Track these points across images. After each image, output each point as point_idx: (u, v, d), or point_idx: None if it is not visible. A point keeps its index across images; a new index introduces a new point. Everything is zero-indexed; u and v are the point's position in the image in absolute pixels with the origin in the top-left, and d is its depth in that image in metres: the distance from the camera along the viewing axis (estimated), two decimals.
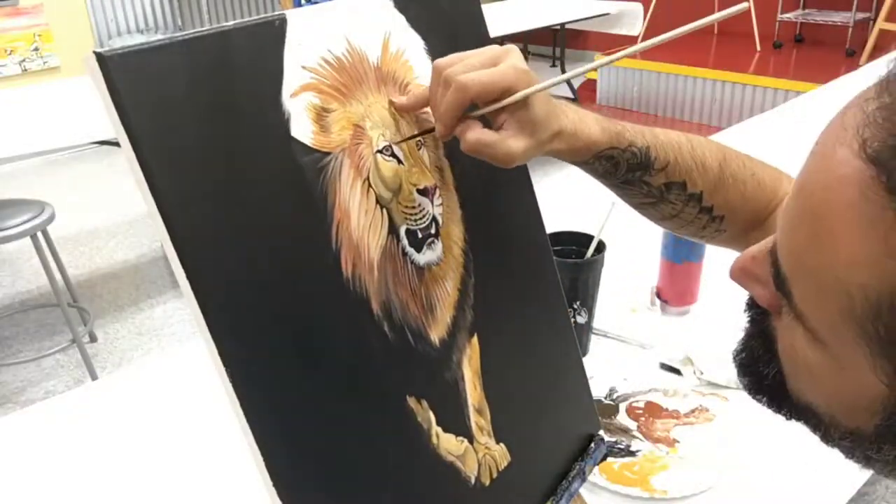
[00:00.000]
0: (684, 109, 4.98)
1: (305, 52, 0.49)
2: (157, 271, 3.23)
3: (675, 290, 1.13)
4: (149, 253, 3.39)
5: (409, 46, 0.58)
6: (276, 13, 0.48)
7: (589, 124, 0.61)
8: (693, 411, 0.93)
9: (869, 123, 0.34)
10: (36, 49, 4.61)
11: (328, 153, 0.49)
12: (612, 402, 0.95)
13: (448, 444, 0.57)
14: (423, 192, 0.56)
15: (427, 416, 0.55)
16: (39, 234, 2.37)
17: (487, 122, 0.56)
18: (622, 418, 0.92)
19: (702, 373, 0.98)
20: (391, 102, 0.55)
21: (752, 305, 0.46)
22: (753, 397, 0.48)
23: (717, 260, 1.15)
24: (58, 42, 4.67)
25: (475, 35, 0.64)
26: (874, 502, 1.69)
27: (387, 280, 0.52)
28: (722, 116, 4.74)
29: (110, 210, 3.80)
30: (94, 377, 2.45)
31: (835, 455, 0.45)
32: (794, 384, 0.43)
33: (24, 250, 3.15)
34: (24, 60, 4.58)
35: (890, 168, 0.32)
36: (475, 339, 0.60)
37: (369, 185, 0.52)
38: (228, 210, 0.43)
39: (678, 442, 0.88)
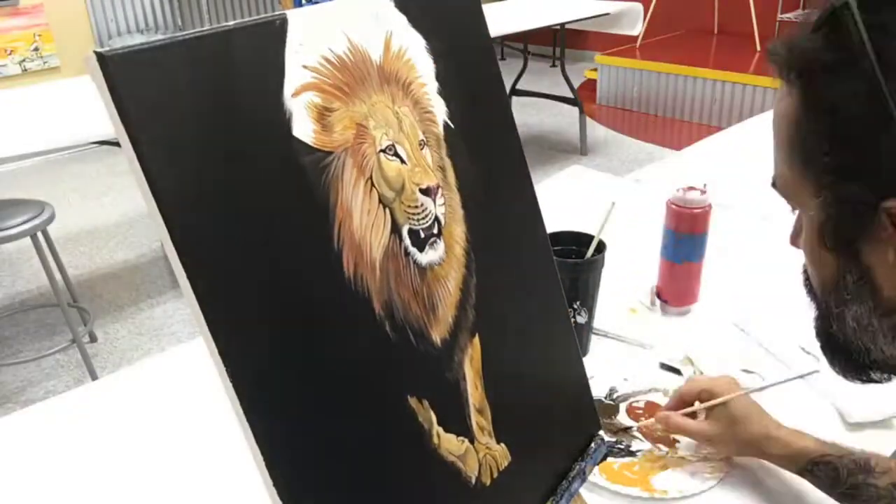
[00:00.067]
0: (684, 109, 4.98)
1: (306, 52, 0.49)
2: (157, 271, 3.23)
3: (675, 290, 1.13)
4: (149, 253, 3.39)
5: (411, 46, 0.58)
6: (277, 13, 0.48)
7: (804, 436, 0.75)
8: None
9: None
10: (36, 49, 4.61)
11: (330, 153, 0.49)
12: (612, 402, 0.95)
13: (449, 444, 0.57)
14: (426, 192, 0.56)
15: (428, 415, 0.55)
16: (39, 234, 2.37)
17: None
18: (622, 418, 0.92)
19: (702, 373, 0.98)
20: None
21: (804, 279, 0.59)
22: (836, 368, 0.58)
23: (718, 260, 1.15)
24: (58, 42, 4.67)
25: (476, 35, 0.64)
26: None
27: (389, 280, 0.52)
28: (722, 116, 4.74)
29: (110, 210, 3.80)
30: (94, 377, 2.45)
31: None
32: (814, 284, 0.57)
33: (24, 250, 3.15)
34: (24, 60, 4.58)
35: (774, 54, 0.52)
36: (476, 339, 0.60)
37: (372, 185, 0.52)
38: (229, 210, 0.43)
39: (678, 442, 0.88)
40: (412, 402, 0.54)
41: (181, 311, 2.89)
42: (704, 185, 1.06)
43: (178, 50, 0.41)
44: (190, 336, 2.67)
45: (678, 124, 4.97)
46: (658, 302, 1.15)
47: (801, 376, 0.87)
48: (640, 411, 0.93)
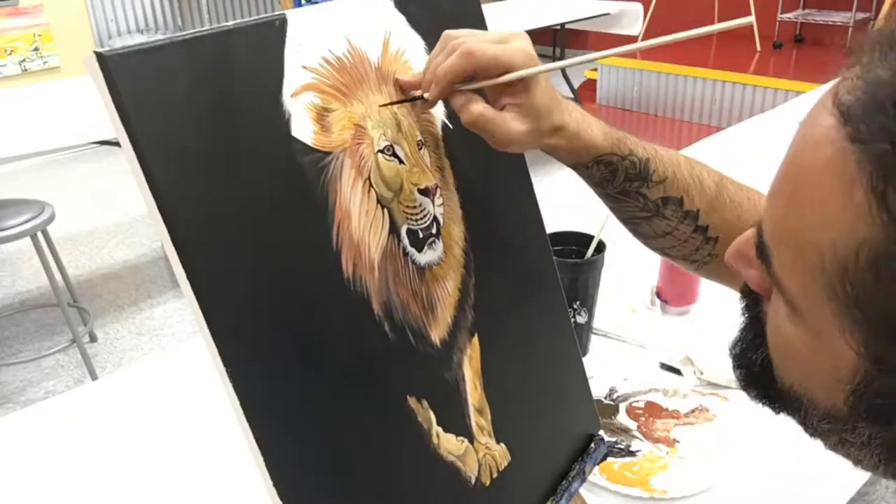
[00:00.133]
0: (684, 109, 4.98)
1: (306, 52, 0.49)
2: (157, 271, 3.23)
3: (675, 290, 1.13)
4: (149, 253, 3.39)
5: (410, 47, 0.58)
6: (277, 13, 0.48)
7: (592, 126, 0.61)
8: (693, 411, 0.93)
9: (844, 82, 0.36)
10: (36, 49, 4.61)
11: (329, 153, 0.49)
12: (612, 402, 0.95)
13: (448, 443, 0.57)
14: (424, 192, 0.56)
15: (427, 415, 0.55)
16: (39, 234, 2.37)
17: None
18: (622, 418, 0.92)
19: (702, 373, 0.98)
20: (396, 80, 0.55)
21: (745, 293, 0.47)
22: (745, 389, 0.49)
23: None
24: (58, 42, 4.67)
25: None
26: (874, 502, 1.69)
27: (387, 280, 0.52)
28: (722, 116, 4.74)
29: (110, 210, 3.80)
30: (94, 377, 2.45)
31: (834, 455, 0.45)
32: (778, 365, 0.44)
33: (24, 250, 3.15)
34: (24, 60, 4.58)
35: (851, 115, 0.34)
36: (475, 339, 0.60)
37: (370, 185, 0.52)
38: (229, 210, 0.43)
39: (678, 442, 0.88)
40: (411, 402, 0.54)
41: (181, 311, 2.89)
42: None
43: (178, 50, 0.42)
44: (190, 336, 2.67)
45: (678, 124, 4.97)
46: (658, 302, 1.15)
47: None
48: (640, 411, 0.93)
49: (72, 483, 0.85)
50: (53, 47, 4.67)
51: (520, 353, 0.67)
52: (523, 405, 0.66)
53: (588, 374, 0.76)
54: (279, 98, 0.47)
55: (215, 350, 0.42)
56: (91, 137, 2.34)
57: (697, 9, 5.60)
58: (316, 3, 1.08)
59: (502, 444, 0.62)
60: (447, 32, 0.55)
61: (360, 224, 0.51)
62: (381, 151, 0.53)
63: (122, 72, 0.39)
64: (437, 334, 0.57)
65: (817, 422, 0.42)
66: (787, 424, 0.47)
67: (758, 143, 1.83)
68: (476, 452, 0.59)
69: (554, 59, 6.08)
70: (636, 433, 0.90)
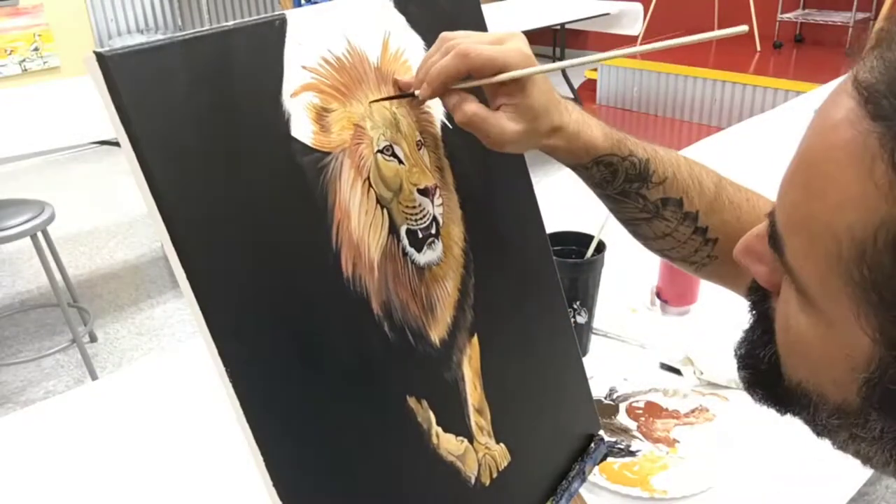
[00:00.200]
0: (684, 109, 4.98)
1: (305, 52, 0.49)
2: (157, 271, 3.23)
3: (675, 290, 1.13)
4: (149, 253, 3.39)
5: (409, 47, 0.58)
6: (276, 13, 0.48)
7: (591, 126, 0.61)
8: (693, 411, 0.93)
9: (863, 64, 0.35)
10: (36, 49, 4.61)
11: (328, 153, 0.49)
12: (612, 402, 0.95)
13: (448, 443, 0.57)
14: (424, 192, 0.56)
15: (427, 415, 0.55)
16: (39, 234, 2.37)
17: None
18: (622, 418, 0.92)
19: (702, 373, 0.98)
20: (395, 81, 0.55)
21: (753, 289, 0.47)
22: (750, 392, 0.48)
23: None
24: (58, 42, 4.67)
25: None
26: (874, 502, 1.69)
27: (387, 280, 0.52)
28: (722, 116, 4.74)
29: (110, 210, 3.80)
30: (94, 377, 2.45)
31: (834, 455, 0.45)
32: (787, 362, 0.44)
33: (24, 250, 3.15)
34: (24, 60, 4.58)
35: (873, 93, 0.34)
36: (475, 339, 0.60)
37: (370, 185, 0.52)
38: (228, 210, 0.43)
39: (678, 442, 0.88)
40: (411, 402, 0.54)
41: (181, 311, 2.89)
42: None
43: (178, 50, 0.42)
44: (190, 336, 2.67)
45: (678, 124, 4.97)
46: (658, 302, 1.15)
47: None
48: (640, 411, 0.93)
49: (72, 483, 0.85)
50: (53, 47, 4.67)
51: (520, 353, 0.67)
52: (523, 405, 0.66)
53: (588, 374, 0.76)
54: (279, 98, 0.47)
55: (215, 350, 0.42)
56: (91, 137, 2.34)
57: (697, 9, 5.60)
58: (316, 3, 1.08)
59: (502, 444, 0.62)
60: (444, 34, 0.55)
61: (360, 224, 0.51)
62: (381, 151, 0.53)
63: (122, 72, 0.39)
64: (436, 334, 0.57)
65: (826, 418, 0.42)
66: (787, 425, 0.47)
67: (758, 143, 1.83)
68: (476, 452, 0.59)
69: (554, 59, 6.08)
70: (636, 433, 0.90)
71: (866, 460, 0.43)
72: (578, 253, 1.00)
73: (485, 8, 0.66)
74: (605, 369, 0.99)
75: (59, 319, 2.78)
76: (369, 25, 0.55)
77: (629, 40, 5.18)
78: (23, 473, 0.87)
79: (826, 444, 0.45)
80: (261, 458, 0.43)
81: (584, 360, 0.76)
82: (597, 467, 0.78)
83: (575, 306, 0.99)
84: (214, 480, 0.82)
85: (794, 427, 0.46)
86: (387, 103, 0.55)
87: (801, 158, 0.38)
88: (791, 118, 1.98)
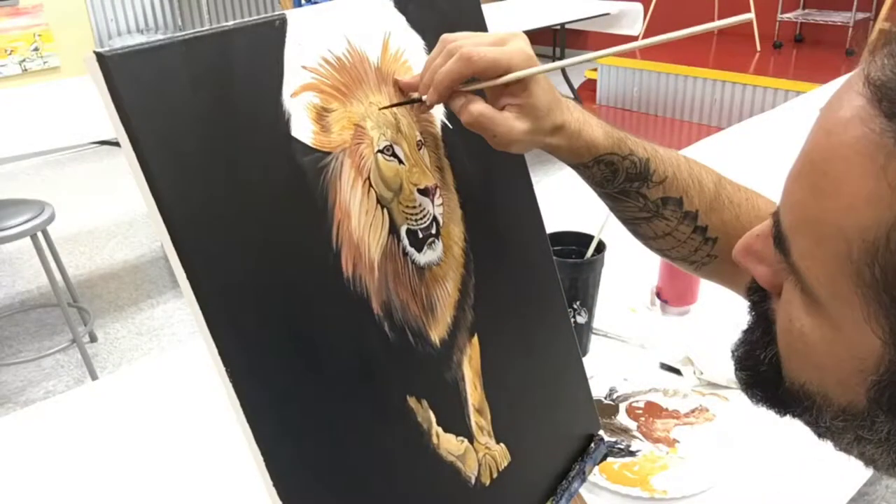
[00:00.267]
0: (684, 109, 4.98)
1: (306, 52, 0.49)
2: (157, 271, 3.23)
3: (675, 290, 1.13)
4: (149, 253, 3.39)
5: (409, 47, 0.58)
6: (276, 13, 0.48)
7: (592, 126, 0.61)
8: (693, 411, 0.93)
9: (874, 61, 0.35)
10: (36, 49, 4.61)
11: (329, 153, 0.49)
12: (612, 402, 0.95)
13: (448, 443, 0.57)
14: (424, 192, 0.56)
15: (427, 415, 0.55)
16: (39, 234, 2.37)
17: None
18: (622, 418, 0.92)
19: (702, 373, 0.98)
20: (395, 81, 0.55)
21: (753, 290, 0.47)
22: (748, 393, 0.48)
23: None
24: (58, 42, 4.67)
25: None
26: (874, 502, 1.69)
27: (387, 280, 0.52)
28: (722, 116, 4.74)
29: (110, 210, 3.80)
30: (94, 377, 2.45)
31: (835, 455, 0.45)
32: (789, 364, 0.43)
33: (24, 250, 3.15)
34: (24, 60, 4.58)
35: (886, 91, 0.33)
36: (475, 339, 0.60)
37: (370, 185, 0.52)
38: (228, 210, 0.43)
39: (678, 442, 0.88)
40: (411, 402, 0.54)
41: (181, 311, 2.89)
42: None
43: (178, 50, 0.42)
44: (190, 336, 2.67)
45: (678, 124, 4.97)
46: (658, 302, 1.15)
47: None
48: (640, 411, 0.93)
49: (72, 483, 0.85)
50: (53, 47, 4.67)
51: (520, 353, 0.67)
52: (523, 405, 0.66)
53: (588, 374, 0.76)
54: (279, 98, 0.47)
55: (215, 350, 0.42)
56: (91, 137, 2.34)
57: (697, 9, 5.60)
58: (316, 3, 1.08)
59: (502, 444, 0.62)
60: (445, 36, 0.55)
61: (360, 224, 0.51)
62: (381, 151, 0.53)
63: (122, 72, 0.39)
64: (436, 334, 0.57)
65: (830, 420, 0.41)
66: (787, 425, 0.47)
67: (758, 143, 1.83)
68: (476, 452, 0.59)
69: (554, 59, 6.08)
70: (636, 433, 0.90)
71: (870, 462, 0.42)
72: (578, 253, 1.00)
73: (485, 8, 0.66)
74: (605, 369, 0.99)
75: (59, 319, 2.78)
76: (369, 25, 0.55)
77: (629, 40, 5.18)
78: (23, 473, 0.87)
79: (827, 445, 0.44)
80: (261, 458, 0.43)
81: (584, 360, 0.76)
82: (597, 467, 0.78)
83: (575, 306, 0.99)
84: (214, 480, 0.82)
85: (794, 427, 0.46)
86: (387, 103, 0.55)
87: (807, 158, 0.38)
88: (791, 118, 1.98)
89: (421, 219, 0.56)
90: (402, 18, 0.58)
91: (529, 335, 0.68)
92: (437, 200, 0.57)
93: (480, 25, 0.64)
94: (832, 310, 0.38)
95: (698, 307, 1.14)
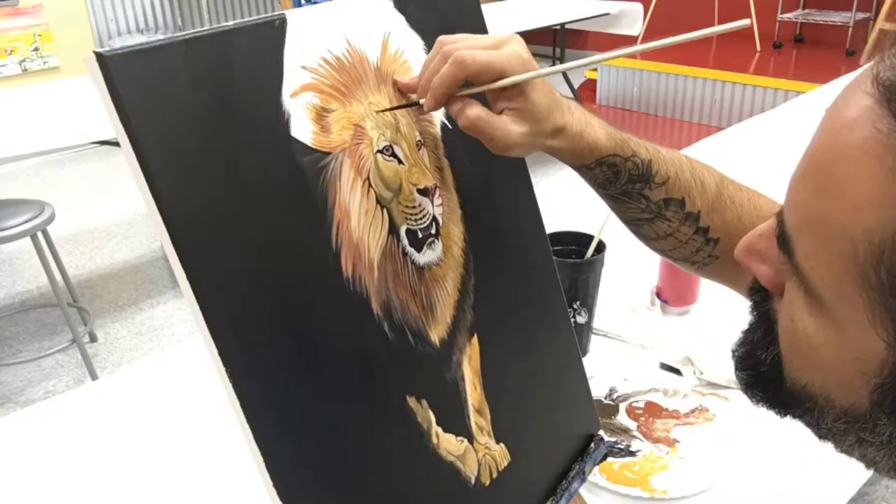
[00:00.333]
0: (684, 109, 4.98)
1: (305, 52, 0.49)
2: (157, 271, 3.23)
3: (675, 290, 1.13)
4: (149, 253, 3.39)
5: (409, 47, 0.58)
6: (276, 13, 0.48)
7: (594, 127, 0.61)
8: (693, 411, 0.93)
9: (883, 61, 0.34)
10: (36, 49, 4.61)
11: (328, 153, 0.49)
12: (612, 402, 0.95)
13: (448, 443, 0.57)
14: (424, 192, 0.56)
15: (427, 415, 0.55)
16: (39, 234, 2.37)
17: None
18: (622, 418, 0.92)
19: (702, 373, 0.98)
20: (395, 82, 0.55)
21: (755, 289, 0.46)
22: (748, 393, 0.48)
23: None
24: (58, 42, 4.67)
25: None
26: (874, 502, 1.69)
27: (387, 280, 0.52)
28: (722, 116, 4.74)
29: (110, 210, 3.80)
30: (94, 377, 2.45)
31: (834, 456, 0.45)
32: (790, 365, 0.43)
33: (24, 250, 3.15)
34: (24, 60, 4.58)
35: (895, 92, 0.32)
36: (475, 340, 0.60)
37: (370, 185, 0.52)
38: (228, 210, 0.43)
39: (678, 442, 0.88)
40: (411, 402, 0.54)
41: (181, 311, 2.89)
42: None
43: (178, 50, 0.42)
44: (190, 336, 2.67)
45: (678, 124, 4.97)
46: (658, 302, 1.15)
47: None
48: (640, 411, 0.93)
49: (72, 483, 0.85)
50: (53, 47, 4.67)
51: (520, 353, 0.67)
52: (523, 405, 0.66)
53: (588, 374, 0.76)
54: (279, 98, 0.47)
55: (215, 350, 0.42)
56: (91, 137, 2.34)
57: (697, 9, 5.60)
58: (315, 3, 1.08)
59: (502, 444, 0.62)
60: (441, 38, 0.55)
61: (360, 224, 0.51)
62: (381, 151, 0.53)
63: (122, 72, 0.39)
64: (436, 334, 0.57)
65: (832, 421, 0.41)
66: (787, 425, 0.47)
67: (758, 143, 1.83)
68: (476, 452, 0.59)
69: (554, 59, 6.08)
70: (636, 433, 0.90)
71: (871, 464, 0.42)
72: (578, 253, 1.00)
73: (485, 8, 0.66)
74: (605, 369, 0.99)
75: (59, 319, 2.78)
76: (369, 25, 0.55)
77: (629, 40, 5.18)
78: (23, 473, 0.87)
79: (828, 446, 0.44)
80: (261, 458, 0.43)
81: (584, 360, 0.76)
82: (597, 467, 0.78)
83: (575, 306, 0.99)
84: (214, 480, 0.82)
85: (794, 428, 0.46)
86: (386, 103, 0.55)
87: (812, 158, 0.37)
88: (791, 118, 1.98)
89: (420, 219, 0.56)
90: (402, 18, 0.58)
91: (529, 335, 0.68)
92: (437, 200, 0.57)
93: (480, 26, 0.64)
94: (836, 311, 0.37)
95: (698, 307, 1.14)
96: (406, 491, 0.54)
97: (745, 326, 0.48)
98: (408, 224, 0.55)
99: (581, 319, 1.01)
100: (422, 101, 0.55)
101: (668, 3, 5.23)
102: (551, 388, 0.71)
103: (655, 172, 0.63)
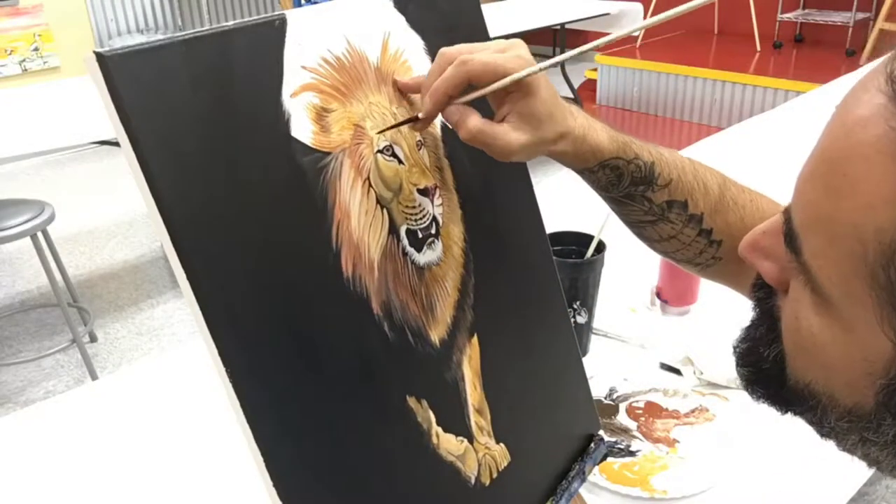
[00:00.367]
0: (684, 109, 4.98)
1: (305, 52, 0.49)
2: (157, 271, 3.23)
3: (675, 290, 1.13)
4: (149, 253, 3.39)
5: (409, 47, 0.58)
6: (276, 13, 0.48)
7: (597, 130, 0.61)
8: (693, 411, 0.93)
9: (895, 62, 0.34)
10: (36, 49, 4.61)
11: (328, 153, 0.49)
12: (612, 402, 0.95)
13: (448, 444, 0.57)
14: (424, 192, 0.56)
15: (427, 416, 0.55)
16: (39, 234, 2.37)
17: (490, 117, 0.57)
18: (622, 418, 0.92)
19: (702, 373, 0.98)
20: (395, 82, 0.55)
21: (758, 286, 0.46)
22: (749, 390, 0.48)
23: None
24: (58, 42, 4.67)
25: (475, 35, 0.64)
26: (874, 502, 1.69)
27: (387, 280, 0.52)
28: (722, 116, 4.74)
29: (110, 210, 3.80)
30: (94, 377, 2.45)
31: (835, 455, 0.45)
32: (794, 363, 0.43)
33: (24, 250, 3.15)
34: (24, 60, 4.58)
35: None
36: (475, 340, 0.60)
37: (370, 185, 0.52)
38: (228, 210, 0.43)
39: (678, 442, 0.88)
40: (411, 402, 0.54)
41: (181, 311, 2.89)
42: None
43: (178, 50, 0.42)
44: (190, 336, 2.67)
45: (678, 124, 4.97)
46: (658, 302, 1.15)
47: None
48: (640, 411, 0.93)
49: (72, 483, 0.85)
50: (53, 47, 4.67)
51: (520, 353, 0.67)
52: (523, 405, 0.66)
53: (588, 374, 0.76)
54: (279, 98, 0.47)
55: (215, 350, 0.42)
56: (91, 137, 2.34)
57: (697, 9, 5.58)
58: (316, 3, 1.08)
59: (502, 444, 0.62)
60: (443, 50, 0.55)
61: (360, 224, 0.51)
62: (381, 151, 0.53)
63: (122, 72, 0.39)
64: (436, 334, 0.57)
65: (835, 420, 0.41)
66: (787, 425, 0.47)
67: (758, 143, 1.83)
68: (476, 452, 0.59)
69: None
70: (636, 433, 0.90)
71: (874, 463, 0.42)
72: (578, 253, 1.00)
73: (485, 8, 0.66)
74: (605, 369, 0.99)
75: (59, 319, 2.78)
76: (369, 25, 0.55)
77: (629, 40, 5.18)
78: (23, 473, 0.87)
79: (829, 445, 0.44)
80: (261, 458, 0.43)
81: (584, 360, 0.76)
82: (597, 467, 0.78)
83: (575, 306, 0.99)
84: (214, 480, 0.82)
85: (794, 427, 0.46)
86: (387, 103, 0.55)
87: (822, 156, 0.37)
88: (791, 118, 1.98)
89: (420, 219, 0.56)
90: (402, 18, 0.58)
91: (529, 335, 0.68)
92: (437, 200, 0.57)
93: (480, 25, 0.64)
94: (844, 310, 0.37)
95: (698, 307, 1.14)
96: (406, 491, 0.54)
97: (747, 323, 0.47)
98: (408, 224, 0.55)
99: (581, 319, 1.01)
100: (420, 115, 0.55)
101: (669, 3, 5.23)
102: (551, 388, 0.71)
103: (658, 175, 0.63)
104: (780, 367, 0.44)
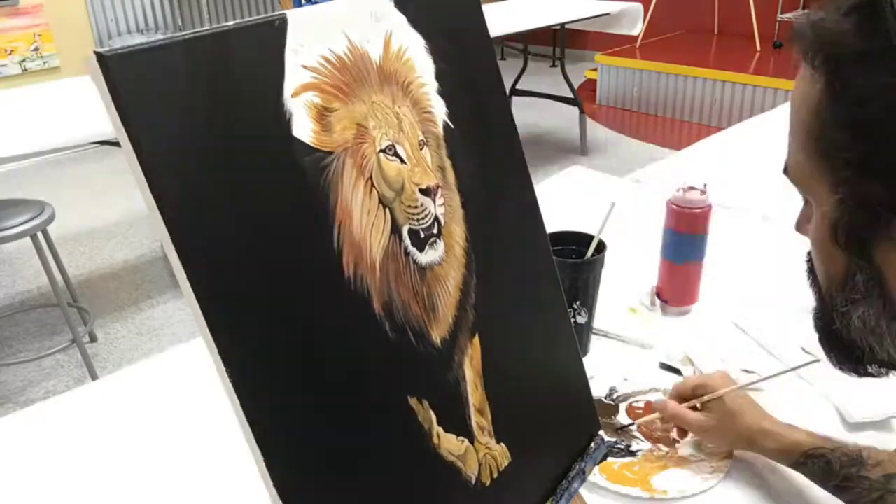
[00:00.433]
0: (684, 109, 4.98)
1: (306, 52, 0.49)
2: (157, 271, 3.23)
3: (675, 290, 1.13)
4: (149, 253, 3.39)
5: (411, 45, 0.58)
6: (277, 13, 0.48)
7: (795, 429, 0.75)
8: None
9: None
10: (36, 49, 4.61)
11: (330, 153, 0.49)
12: (612, 402, 0.95)
13: (449, 444, 0.57)
14: (426, 192, 0.56)
15: (428, 416, 0.55)
16: (39, 234, 2.37)
17: None
18: (622, 418, 0.92)
19: (702, 373, 0.98)
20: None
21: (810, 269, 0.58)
22: (831, 358, 0.57)
23: (718, 260, 1.15)
24: (58, 42, 4.67)
25: (475, 35, 0.64)
26: None
27: (389, 280, 0.52)
28: (722, 116, 4.74)
29: (110, 210, 3.80)
30: (94, 377, 2.45)
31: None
32: (819, 278, 0.55)
33: (24, 250, 3.15)
34: (24, 60, 4.58)
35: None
36: (476, 340, 0.60)
37: (372, 185, 0.52)
38: (229, 210, 0.43)
39: (678, 442, 0.88)
40: (412, 402, 0.54)
41: (181, 311, 2.89)
42: (704, 185, 1.06)
43: (178, 50, 0.41)
44: (190, 336, 2.66)
45: (678, 124, 4.98)
46: (658, 302, 1.15)
47: (795, 368, 0.86)
48: (640, 411, 0.93)
49: (72, 483, 0.85)
50: (53, 47, 4.67)
51: (520, 353, 0.67)
52: (523, 405, 0.66)
53: (588, 374, 0.76)
54: (279, 98, 0.47)
55: (215, 350, 0.41)
56: (91, 137, 2.34)
57: (697, 8, 5.60)
58: (316, 3, 1.08)
59: (502, 444, 0.62)
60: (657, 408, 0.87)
61: (362, 224, 0.51)
62: (383, 151, 0.53)
63: (122, 72, 0.38)
64: (438, 334, 0.57)
65: (840, 307, 0.52)
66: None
67: (758, 143, 1.83)
68: (476, 452, 0.59)
69: (554, 58, 6.08)
70: (636, 433, 0.90)
71: (879, 340, 0.50)
72: (578, 253, 1.00)
73: (485, 8, 0.66)
74: (605, 369, 0.99)
75: (59, 319, 2.78)
76: (370, 25, 0.54)
77: (629, 40, 5.19)
78: (23, 473, 0.87)
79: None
80: (261, 458, 0.43)
81: (584, 360, 0.76)
82: (597, 467, 0.78)
83: (575, 306, 0.99)
84: (214, 480, 0.82)
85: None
86: (389, 102, 0.54)
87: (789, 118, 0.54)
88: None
89: (423, 218, 0.56)
90: (403, 18, 0.58)
91: (530, 335, 0.68)
92: (439, 200, 0.57)
93: (481, 25, 0.64)
94: (814, 197, 0.51)
95: (698, 307, 1.14)
96: (407, 491, 0.54)
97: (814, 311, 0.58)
98: (410, 224, 0.55)
99: (581, 319, 1.01)
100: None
101: (668, 3, 5.23)
102: (551, 388, 0.71)
103: (867, 456, 0.68)
104: (833, 312, 0.54)
